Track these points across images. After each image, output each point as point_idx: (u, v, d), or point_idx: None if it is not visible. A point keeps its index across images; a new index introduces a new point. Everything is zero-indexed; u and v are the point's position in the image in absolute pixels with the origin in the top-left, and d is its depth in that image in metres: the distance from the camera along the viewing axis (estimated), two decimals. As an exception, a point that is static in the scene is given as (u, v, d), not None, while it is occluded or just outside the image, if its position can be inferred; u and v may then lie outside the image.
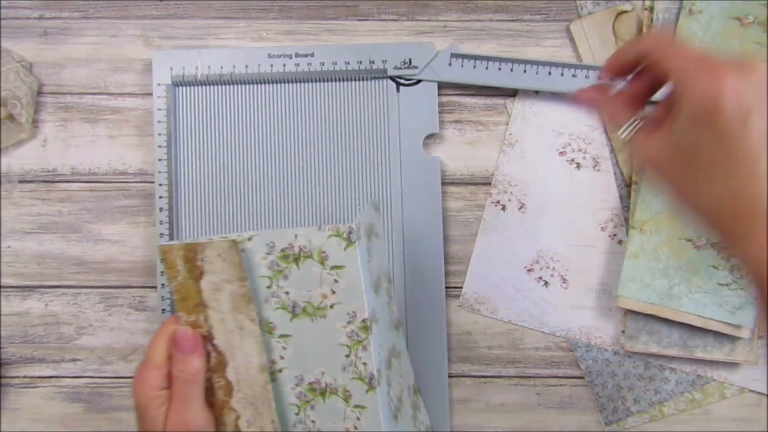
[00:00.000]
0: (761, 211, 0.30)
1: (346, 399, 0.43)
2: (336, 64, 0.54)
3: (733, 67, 0.32)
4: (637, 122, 0.37)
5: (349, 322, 0.42)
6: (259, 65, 0.54)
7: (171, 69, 0.54)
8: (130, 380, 0.54)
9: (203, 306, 0.42)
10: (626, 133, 0.37)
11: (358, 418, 0.43)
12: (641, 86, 0.38)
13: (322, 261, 0.42)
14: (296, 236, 0.42)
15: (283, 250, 0.42)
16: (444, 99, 0.56)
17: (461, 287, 0.55)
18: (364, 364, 0.42)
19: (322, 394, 0.43)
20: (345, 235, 0.41)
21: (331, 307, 0.42)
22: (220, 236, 0.42)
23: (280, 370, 0.43)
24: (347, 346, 0.42)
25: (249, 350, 0.42)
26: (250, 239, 0.42)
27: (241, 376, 0.42)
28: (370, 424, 0.43)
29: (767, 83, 0.31)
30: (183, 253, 0.42)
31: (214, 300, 0.42)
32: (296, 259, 0.42)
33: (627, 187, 0.55)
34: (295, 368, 0.43)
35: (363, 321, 0.42)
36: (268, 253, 0.42)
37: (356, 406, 0.43)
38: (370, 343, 0.42)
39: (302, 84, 0.55)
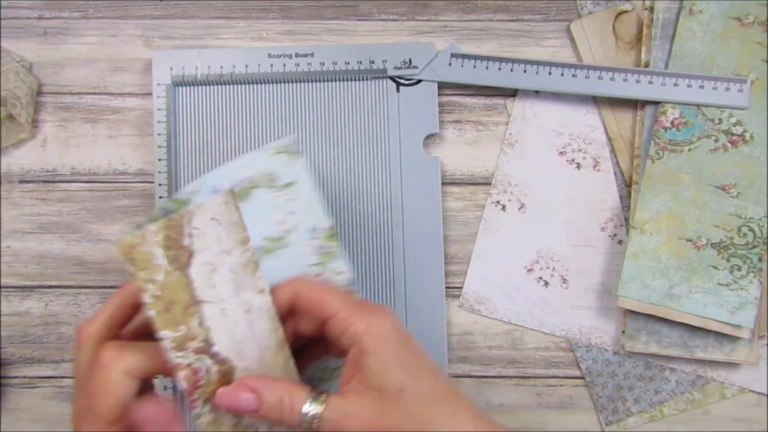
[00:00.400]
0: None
1: None
2: (336, 64, 0.54)
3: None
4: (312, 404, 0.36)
5: (313, 238, 0.39)
6: (259, 65, 0.54)
7: (171, 69, 0.54)
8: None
9: (196, 305, 0.35)
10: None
11: None
12: None
13: (271, 184, 0.38)
14: (239, 169, 0.37)
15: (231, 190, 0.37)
16: (444, 99, 0.56)
17: (461, 287, 0.55)
18: (339, 273, 0.39)
19: None
20: (291, 149, 0.38)
21: (290, 231, 0.38)
22: (204, 196, 0.36)
23: None
24: (319, 264, 0.39)
25: (261, 334, 0.36)
26: (194, 193, 0.36)
27: (254, 374, 0.36)
28: None
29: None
30: (163, 236, 0.33)
31: (210, 288, 0.35)
32: (245, 194, 0.37)
33: (627, 187, 0.55)
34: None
35: (329, 229, 0.39)
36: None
37: None
38: (340, 248, 0.39)
39: (302, 84, 0.55)
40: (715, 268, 0.52)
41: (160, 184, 0.54)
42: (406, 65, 0.54)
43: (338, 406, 0.34)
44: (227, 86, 0.55)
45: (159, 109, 0.54)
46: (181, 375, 0.35)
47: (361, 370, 0.35)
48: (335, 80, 0.55)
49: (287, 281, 0.37)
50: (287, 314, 0.38)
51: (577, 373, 0.55)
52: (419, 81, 0.55)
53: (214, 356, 0.35)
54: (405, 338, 0.36)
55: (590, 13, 0.56)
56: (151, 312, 0.34)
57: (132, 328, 0.38)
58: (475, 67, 0.54)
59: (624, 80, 0.53)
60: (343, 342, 0.35)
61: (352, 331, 0.35)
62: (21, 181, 0.55)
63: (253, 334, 0.36)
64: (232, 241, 0.35)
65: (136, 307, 0.37)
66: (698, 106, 0.53)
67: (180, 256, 0.34)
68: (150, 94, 0.55)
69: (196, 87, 0.54)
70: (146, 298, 0.34)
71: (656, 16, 0.54)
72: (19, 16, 0.56)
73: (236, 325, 0.36)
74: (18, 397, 0.55)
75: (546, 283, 0.55)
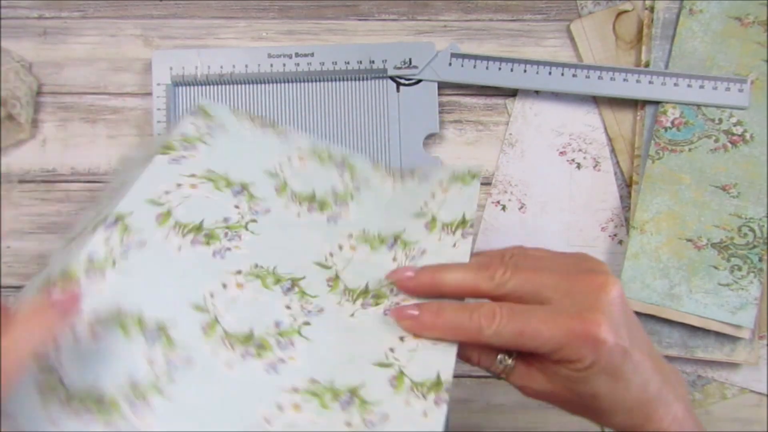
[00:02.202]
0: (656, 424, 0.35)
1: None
2: (336, 64, 0.54)
3: (592, 320, 0.33)
4: (506, 359, 0.37)
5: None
6: (259, 65, 0.54)
7: (171, 69, 0.54)
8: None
9: None
10: (501, 369, 0.37)
11: None
12: None
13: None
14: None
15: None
16: (444, 99, 0.56)
17: (461, 287, 0.55)
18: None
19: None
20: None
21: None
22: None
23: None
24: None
25: None
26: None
27: None
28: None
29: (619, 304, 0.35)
30: None
31: None
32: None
33: (627, 187, 0.55)
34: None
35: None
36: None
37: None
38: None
39: (302, 84, 0.55)
40: (716, 268, 0.52)
41: (159, 184, 0.54)
42: (406, 65, 0.54)
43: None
44: (227, 86, 0.55)
45: (159, 109, 0.54)
46: None
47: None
48: (335, 80, 0.55)
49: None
50: None
51: (578, 373, 0.55)
52: (419, 81, 0.55)
53: None
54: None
55: (590, 13, 0.56)
56: None
57: None
58: (475, 67, 0.54)
59: (624, 80, 0.53)
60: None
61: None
62: (21, 181, 0.55)
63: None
64: None
65: None
66: (698, 106, 0.53)
67: None
68: (150, 94, 0.55)
69: (196, 87, 0.54)
70: None
71: (656, 16, 0.54)
72: (19, 16, 0.56)
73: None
74: (18, 397, 0.55)
75: (546, 283, 0.55)
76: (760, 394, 0.54)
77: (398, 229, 0.40)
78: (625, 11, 0.55)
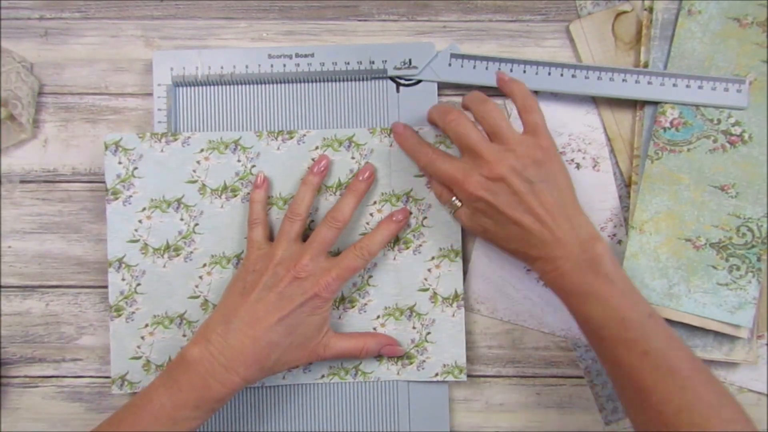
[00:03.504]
0: (538, 253, 0.47)
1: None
2: (336, 64, 0.55)
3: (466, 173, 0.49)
4: (457, 200, 0.50)
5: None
6: (259, 65, 0.54)
7: (171, 69, 0.54)
8: (130, 380, 0.54)
9: None
10: (450, 208, 0.51)
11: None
12: None
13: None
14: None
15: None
16: (444, 99, 0.56)
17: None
18: None
19: None
20: None
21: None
22: None
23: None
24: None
25: None
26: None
27: None
28: None
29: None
30: None
31: None
32: None
33: (627, 187, 0.55)
34: None
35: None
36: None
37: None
38: None
39: (302, 84, 0.55)
40: (714, 268, 0.52)
41: (160, 184, 0.54)
42: (406, 65, 0.54)
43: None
44: (227, 86, 0.55)
45: (159, 110, 0.54)
46: None
47: None
48: (335, 80, 0.55)
49: None
50: None
51: (577, 372, 0.55)
52: (419, 81, 0.55)
53: None
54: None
55: (590, 13, 0.56)
56: None
57: None
58: (475, 67, 0.54)
59: (623, 80, 0.54)
60: None
61: None
62: (22, 181, 0.56)
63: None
64: None
65: None
66: (697, 106, 0.53)
67: None
68: (150, 94, 0.55)
69: (196, 87, 0.55)
70: None
71: (655, 16, 0.55)
72: (20, 17, 0.56)
73: None
74: (18, 396, 0.55)
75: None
76: (758, 393, 0.54)
77: (407, 188, 0.54)
78: (624, 12, 0.56)
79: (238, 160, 0.53)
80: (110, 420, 0.46)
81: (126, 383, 0.53)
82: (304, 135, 0.53)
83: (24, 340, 0.55)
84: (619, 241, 0.55)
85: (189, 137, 0.53)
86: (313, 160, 0.53)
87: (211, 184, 0.53)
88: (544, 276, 0.47)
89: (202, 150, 0.53)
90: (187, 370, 0.46)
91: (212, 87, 0.55)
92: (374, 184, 0.53)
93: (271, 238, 0.52)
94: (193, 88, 0.55)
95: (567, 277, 0.46)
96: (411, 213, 0.53)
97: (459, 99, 0.56)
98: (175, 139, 0.53)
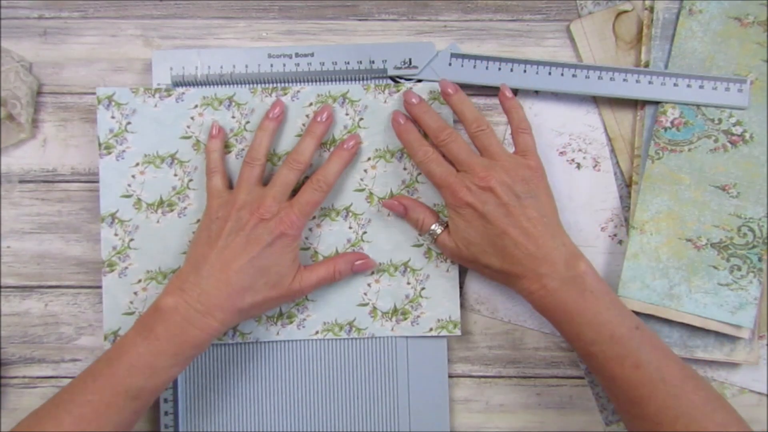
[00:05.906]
0: (524, 270, 0.47)
1: None
2: (336, 64, 0.54)
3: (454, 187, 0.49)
4: (437, 227, 0.51)
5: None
6: (259, 65, 0.54)
7: (171, 69, 0.54)
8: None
9: None
10: (429, 236, 0.52)
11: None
12: None
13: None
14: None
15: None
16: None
17: (462, 287, 0.55)
18: None
19: None
20: None
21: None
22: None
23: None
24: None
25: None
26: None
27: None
28: None
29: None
30: None
31: None
32: None
33: (627, 187, 0.55)
34: None
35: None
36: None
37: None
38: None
39: (302, 84, 0.55)
40: (715, 268, 0.52)
41: (160, 184, 0.54)
42: (406, 65, 0.54)
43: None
44: (227, 86, 0.54)
45: (159, 109, 0.54)
46: None
47: None
48: (335, 80, 0.55)
49: None
50: None
51: (577, 373, 0.55)
52: (419, 81, 0.55)
53: None
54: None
55: (590, 13, 0.56)
56: None
57: None
58: (475, 67, 0.54)
59: (624, 80, 0.54)
60: None
61: None
62: (21, 181, 0.55)
63: None
64: None
65: None
66: (698, 106, 0.53)
67: None
68: (150, 94, 0.55)
69: (196, 87, 0.54)
70: None
71: (656, 16, 0.54)
72: (19, 16, 0.56)
73: None
74: (18, 397, 0.55)
75: (546, 283, 0.55)
76: (759, 393, 0.54)
77: (401, 144, 0.53)
78: (625, 11, 0.55)
79: (233, 117, 0.53)
80: (84, 375, 0.45)
81: (118, 339, 0.52)
82: (298, 91, 0.53)
83: (23, 340, 0.55)
84: (620, 241, 0.55)
85: (183, 93, 0.53)
86: (307, 116, 0.53)
87: (206, 140, 0.53)
88: (530, 296, 0.48)
89: (196, 106, 0.53)
90: (163, 319, 0.45)
91: (212, 87, 0.54)
92: (369, 141, 0.53)
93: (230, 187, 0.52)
94: (192, 87, 0.54)
95: (554, 295, 0.46)
96: (361, 142, 0.53)
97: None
98: (169, 95, 0.53)
